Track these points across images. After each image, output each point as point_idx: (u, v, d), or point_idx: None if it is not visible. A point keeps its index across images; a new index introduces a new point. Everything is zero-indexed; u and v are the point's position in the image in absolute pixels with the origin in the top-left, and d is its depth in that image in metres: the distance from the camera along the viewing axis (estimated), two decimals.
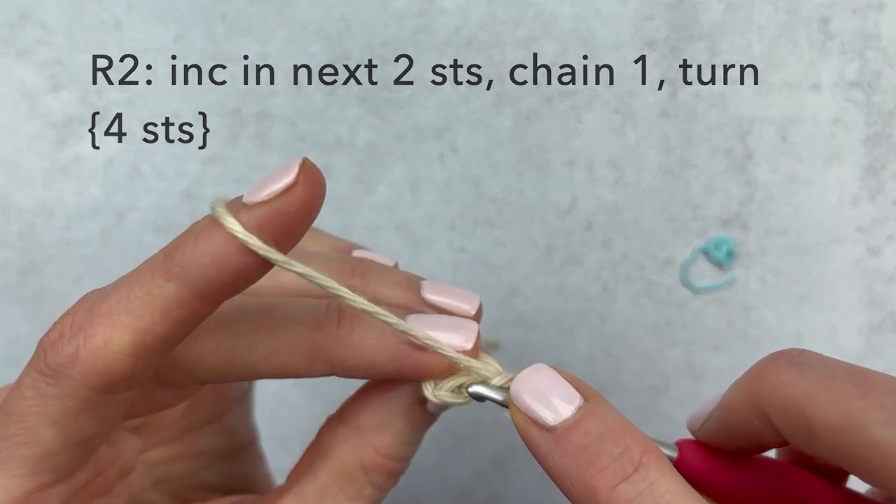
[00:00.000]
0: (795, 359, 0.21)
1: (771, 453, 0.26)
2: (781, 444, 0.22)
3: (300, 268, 0.20)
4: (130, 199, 0.47)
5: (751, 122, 0.47)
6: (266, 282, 0.25)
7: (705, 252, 0.47)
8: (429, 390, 0.23)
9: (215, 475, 0.28)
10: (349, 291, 0.21)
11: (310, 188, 0.19)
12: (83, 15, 0.47)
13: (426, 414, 0.24)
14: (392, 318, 0.21)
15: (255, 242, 0.19)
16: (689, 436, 0.25)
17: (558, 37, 0.48)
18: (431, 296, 0.24)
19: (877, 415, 0.18)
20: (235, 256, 0.19)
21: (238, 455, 0.30)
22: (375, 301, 0.22)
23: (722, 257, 0.47)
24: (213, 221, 0.19)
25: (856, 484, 0.26)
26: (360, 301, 0.21)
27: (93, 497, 0.24)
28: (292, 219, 0.19)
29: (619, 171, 0.47)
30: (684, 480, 0.20)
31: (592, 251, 0.47)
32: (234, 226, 0.19)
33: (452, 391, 0.23)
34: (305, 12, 0.48)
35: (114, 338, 0.19)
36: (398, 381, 0.24)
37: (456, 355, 0.22)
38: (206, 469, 0.29)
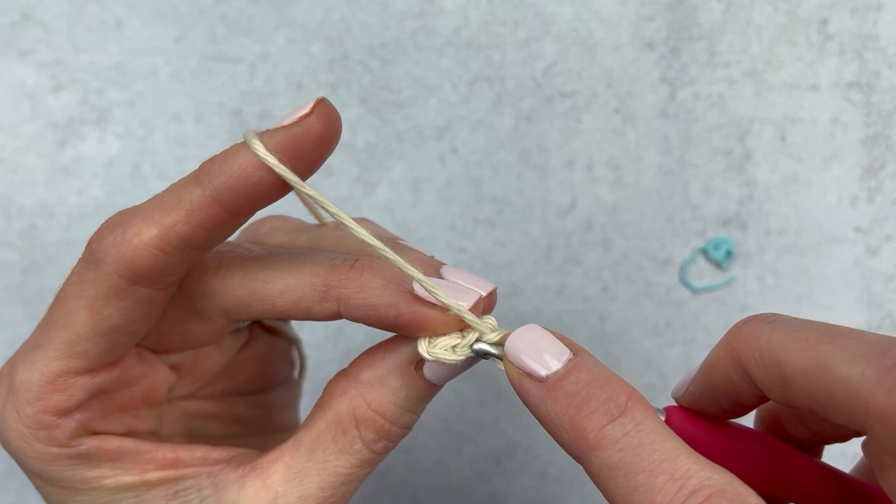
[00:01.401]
0: (769, 318, 0.23)
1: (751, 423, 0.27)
2: (759, 400, 0.23)
3: (309, 189, 0.22)
4: (131, 199, 0.48)
5: (750, 123, 0.48)
6: (306, 244, 0.28)
7: (704, 252, 0.48)
8: (423, 347, 0.24)
9: (249, 446, 0.29)
10: (352, 220, 0.23)
11: (323, 120, 0.22)
12: (84, 15, 0.47)
13: (422, 380, 0.25)
14: (400, 262, 0.23)
15: (272, 161, 0.22)
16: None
17: (558, 37, 0.48)
18: (449, 276, 0.25)
19: (842, 355, 0.20)
20: (253, 170, 0.22)
21: (275, 434, 0.31)
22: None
23: (721, 257, 0.47)
24: (242, 144, 0.22)
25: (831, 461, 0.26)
26: (362, 233, 0.23)
27: (118, 409, 0.26)
28: (306, 144, 0.22)
29: (619, 171, 0.48)
30: (664, 423, 0.21)
31: (592, 251, 0.48)
32: (257, 146, 0.22)
33: (446, 350, 0.24)
34: (306, 13, 0.48)
35: (143, 230, 0.22)
36: (400, 343, 0.25)
37: (454, 303, 0.23)
38: (241, 438, 0.30)
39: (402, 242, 0.27)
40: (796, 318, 0.22)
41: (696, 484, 0.19)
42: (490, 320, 0.24)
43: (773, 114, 0.48)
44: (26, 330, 0.48)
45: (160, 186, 0.48)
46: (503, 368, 0.24)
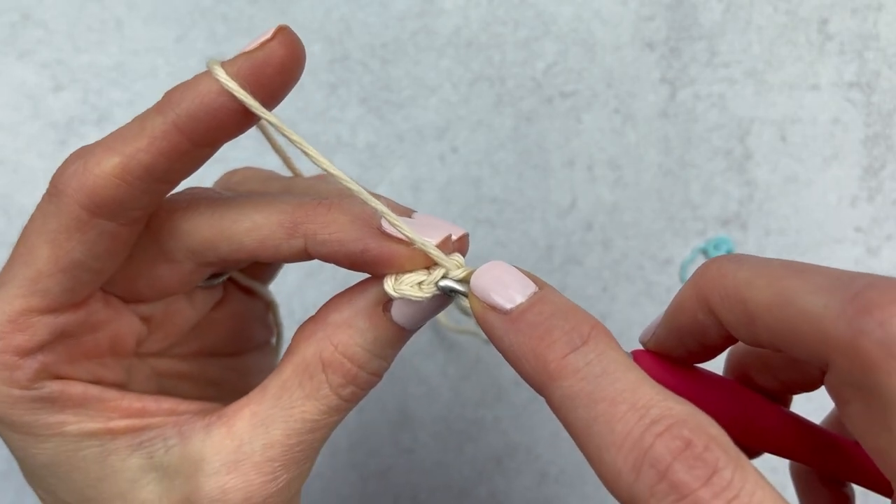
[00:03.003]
0: (735, 257, 0.22)
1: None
2: (725, 341, 0.23)
3: (270, 116, 0.22)
4: None
5: (750, 123, 0.48)
6: (278, 191, 0.27)
7: (704, 252, 0.48)
8: (389, 284, 0.24)
9: None
10: (316, 151, 0.23)
11: (285, 46, 0.22)
12: (84, 15, 0.47)
13: (391, 323, 0.25)
14: (364, 194, 0.23)
15: (232, 86, 0.22)
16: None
17: (558, 37, 0.48)
18: (420, 218, 0.25)
19: (806, 288, 0.20)
20: (214, 96, 0.22)
21: None
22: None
23: None
24: (205, 72, 0.22)
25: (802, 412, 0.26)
26: (325, 163, 0.23)
27: (83, 355, 0.25)
28: (268, 70, 0.22)
29: (619, 171, 0.48)
30: (627, 356, 0.21)
31: (592, 251, 0.48)
32: (218, 72, 0.22)
33: (412, 287, 0.24)
34: (306, 13, 0.48)
35: (104, 159, 0.22)
36: (368, 285, 0.25)
37: (418, 237, 0.23)
38: (216, 401, 0.29)
39: (376, 193, 0.27)
40: (763, 258, 0.22)
41: (658, 414, 0.19)
42: (457, 258, 0.24)
43: (774, 114, 0.48)
44: None
45: None
46: (468, 305, 0.23)
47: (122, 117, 0.47)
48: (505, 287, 0.22)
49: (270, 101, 0.22)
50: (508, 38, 0.48)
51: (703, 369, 0.25)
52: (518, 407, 0.47)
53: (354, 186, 0.23)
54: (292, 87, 0.23)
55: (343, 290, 0.25)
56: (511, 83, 0.48)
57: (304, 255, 0.24)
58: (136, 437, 0.25)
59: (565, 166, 0.48)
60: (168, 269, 0.25)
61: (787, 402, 0.27)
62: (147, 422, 0.25)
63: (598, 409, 0.19)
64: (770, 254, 0.47)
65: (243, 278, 0.30)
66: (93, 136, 0.47)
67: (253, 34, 0.48)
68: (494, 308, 0.22)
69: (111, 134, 0.23)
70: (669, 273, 0.48)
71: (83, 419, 0.24)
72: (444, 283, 0.24)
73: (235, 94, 0.21)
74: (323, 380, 0.24)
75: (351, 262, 0.24)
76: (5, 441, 0.25)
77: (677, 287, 0.48)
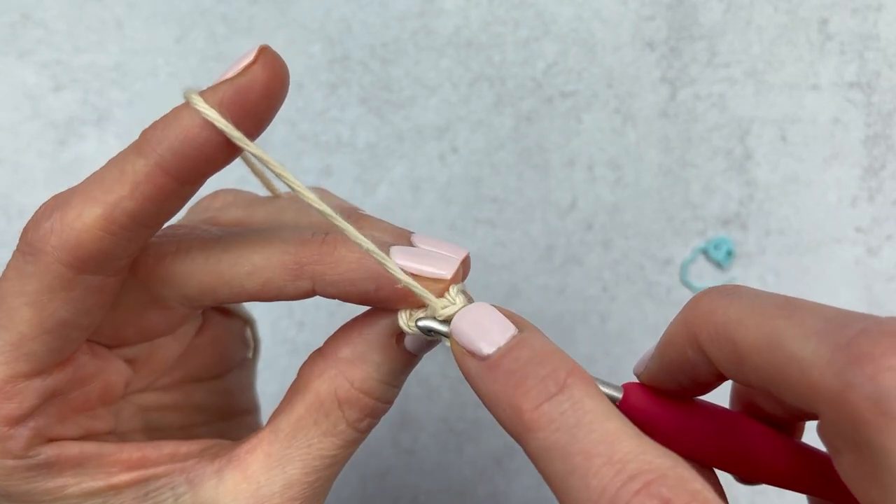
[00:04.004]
0: (728, 290, 0.21)
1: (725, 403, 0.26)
2: (717, 378, 0.22)
3: (254, 148, 0.21)
4: None
5: (750, 123, 0.48)
6: (265, 218, 0.26)
7: (705, 252, 0.48)
8: (403, 320, 0.23)
9: (211, 434, 0.27)
10: (299, 183, 0.21)
11: (268, 69, 0.21)
12: (84, 15, 0.47)
13: (404, 353, 0.24)
14: (352, 231, 0.22)
15: (213, 115, 0.20)
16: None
17: (558, 37, 0.48)
18: (421, 244, 0.24)
19: (796, 331, 0.18)
20: (197, 130, 0.20)
21: (235, 419, 0.30)
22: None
23: (721, 257, 0.47)
24: (184, 104, 0.21)
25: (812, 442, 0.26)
26: (311, 197, 0.21)
27: (73, 410, 0.24)
28: (252, 96, 0.21)
29: (619, 171, 0.48)
30: (609, 402, 0.20)
31: (592, 251, 0.48)
32: (198, 103, 0.20)
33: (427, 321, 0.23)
34: (306, 13, 0.48)
35: (84, 211, 0.20)
36: (377, 316, 0.24)
37: (403, 276, 0.22)
38: (202, 426, 0.29)
39: (365, 213, 0.26)
40: (759, 291, 0.21)
41: (636, 468, 0.18)
42: (460, 300, 0.23)
43: (774, 114, 0.48)
44: None
45: None
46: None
47: (122, 117, 0.47)
48: (483, 331, 0.21)
49: (256, 128, 0.21)
50: (508, 38, 0.48)
51: (702, 401, 0.24)
52: None
53: (341, 224, 0.22)
54: (278, 110, 0.22)
55: (349, 321, 0.25)
56: (511, 83, 0.48)
57: (311, 295, 0.23)
58: (140, 488, 0.24)
59: (565, 166, 0.48)
60: (159, 314, 0.25)
61: (799, 430, 0.26)
62: (150, 472, 0.24)
63: (573, 462, 0.18)
64: (770, 253, 0.47)
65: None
66: (93, 135, 0.47)
67: (253, 34, 0.48)
68: (473, 354, 0.21)
69: (86, 181, 0.21)
70: (669, 273, 0.48)
71: (83, 479, 0.23)
72: (423, 323, 0.23)
73: (216, 123, 0.20)
74: (340, 416, 0.24)
75: (363, 300, 0.23)
76: None
77: (677, 287, 0.48)
